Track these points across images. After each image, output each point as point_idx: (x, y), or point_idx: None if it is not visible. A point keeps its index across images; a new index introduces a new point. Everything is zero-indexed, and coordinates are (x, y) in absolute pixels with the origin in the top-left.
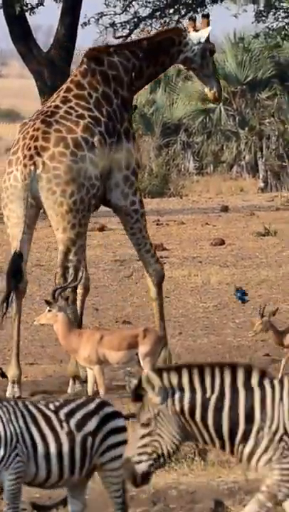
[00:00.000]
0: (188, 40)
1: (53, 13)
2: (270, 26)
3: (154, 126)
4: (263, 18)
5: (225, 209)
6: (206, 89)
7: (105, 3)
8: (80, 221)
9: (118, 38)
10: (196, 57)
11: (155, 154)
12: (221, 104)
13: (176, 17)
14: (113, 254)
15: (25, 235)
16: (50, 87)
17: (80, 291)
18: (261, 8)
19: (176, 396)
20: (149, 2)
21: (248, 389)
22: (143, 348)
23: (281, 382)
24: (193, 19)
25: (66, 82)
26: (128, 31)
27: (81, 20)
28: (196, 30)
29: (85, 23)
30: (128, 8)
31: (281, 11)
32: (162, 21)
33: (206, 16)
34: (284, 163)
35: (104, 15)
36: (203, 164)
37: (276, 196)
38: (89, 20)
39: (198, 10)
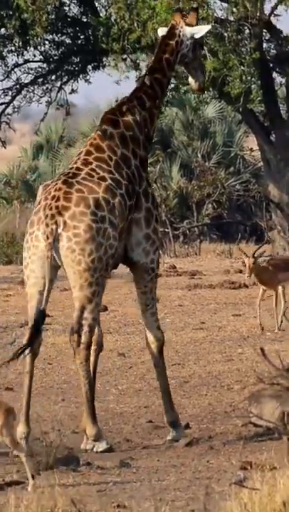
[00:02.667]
0: (183, 36)
1: None
2: None
3: (36, 193)
4: None
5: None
6: (192, 80)
7: None
8: (96, 280)
9: (0, 104)
10: (189, 52)
11: None
12: None
13: (58, 83)
14: None
15: (42, 296)
16: None
17: (93, 347)
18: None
19: None
20: (31, 69)
21: None
22: None
23: None
24: (180, 10)
25: (86, 144)
26: (10, 98)
27: None
28: (187, 24)
29: None
30: (10, 75)
31: None
32: (44, 88)
33: (196, 10)
34: (166, 230)
35: None
36: None
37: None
38: None
39: (81, 76)
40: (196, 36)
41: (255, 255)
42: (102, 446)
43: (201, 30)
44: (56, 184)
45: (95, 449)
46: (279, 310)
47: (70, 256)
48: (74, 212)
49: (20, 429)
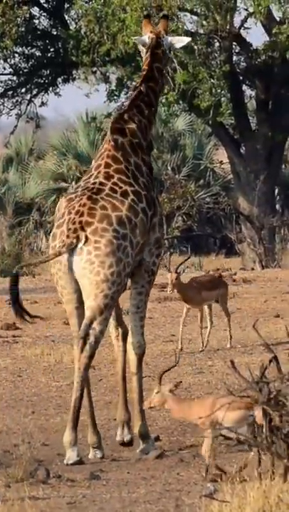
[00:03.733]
0: (166, 46)
1: None
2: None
3: (7, 206)
4: (115, 98)
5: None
6: None
7: None
8: (112, 293)
9: None
10: (164, 59)
11: (8, 233)
12: (74, 183)
13: (28, 96)
14: None
15: (78, 310)
16: None
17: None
18: (113, 88)
19: None
20: (1, 81)
21: None
22: None
23: None
24: (149, 16)
25: (102, 156)
26: None
27: None
28: (165, 31)
29: None
30: None
31: None
32: (14, 100)
33: (166, 17)
34: None
35: None
36: None
37: None
38: None
39: (50, 89)
40: (177, 46)
41: (178, 270)
42: (72, 458)
43: (182, 40)
44: (81, 199)
45: (65, 461)
46: (205, 329)
47: (89, 267)
48: (96, 228)
49: (91, 438)
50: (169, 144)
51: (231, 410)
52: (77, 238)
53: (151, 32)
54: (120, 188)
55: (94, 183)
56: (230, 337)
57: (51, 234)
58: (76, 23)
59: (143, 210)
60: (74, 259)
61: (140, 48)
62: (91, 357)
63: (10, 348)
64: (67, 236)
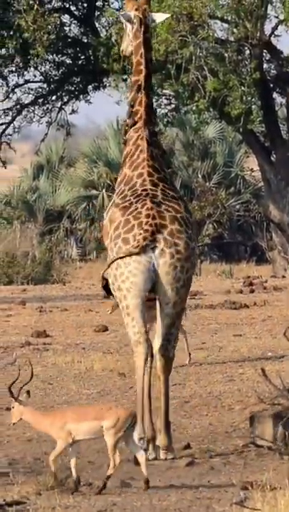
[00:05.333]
0: (149, 24)
1: None
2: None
3: (37, 213)
4: None
5: (108, 296)
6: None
7: None
8: (186, 298)
9: (0, 125)
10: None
11: (38, 241)
12: (104, 190)
13: (58, 104)
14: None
15: (143, 306)
16: None
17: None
18: None
19: None
20: (32, 89)
21: None
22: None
23: None
24: None
25: (142, 166)
26: (10, 118)
27: None
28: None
29: None
30: (10, 95)
31: (163, 97)
32: (45, 108)
33: None
34: None
35: None
36: (87, 251)
37: None
38: None
39: (81, 97)
40: (158, 21)
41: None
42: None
43: (162, 16)
44: (145, 204)
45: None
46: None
47: (172, 273)
48: (171, 230)
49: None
50: (199, 151)
51: (82, 421)
52: (155, 240)
53: (136, 10)
54: (168, 193)
55: (144, 190)
56: (189, 354)
57: (121, 239)
58: (106, 31)
59: (188, 211)
60: (156, 262)
61: (124, 23)
62: (172, 361)
63: (40, 355)
64: (144, 238)
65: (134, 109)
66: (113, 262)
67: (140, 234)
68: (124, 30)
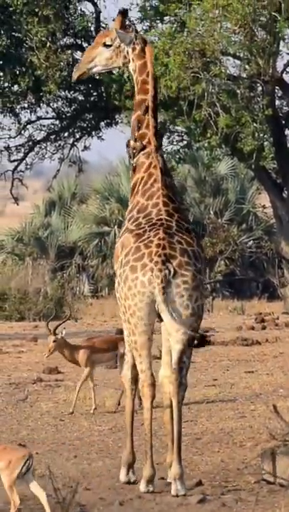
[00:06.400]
0: None
1: None
2: (164, 150)
3: (49, 250)
4: None
5: (120, 332)
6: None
7: (0, 126)
8: (198, 326)
9: (12, 161)
10: None
11: (50, 277)
12: (116, 227)
13: (70, 140)
14: (8, 378)
15: (149, 342)
16: None
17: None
18: None
19: None
20: (44, 125)
21: None
22: None
23: None
24: (126, 12)
25: (158, 196)
26: (23, 154)
27: None
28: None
29: None
30: (23, 132)
31: (175, 134)
32: (57, 144)
33: (123, 13)
34: None
35: None
36: (98, 287)
37: None
38: None
39: (93, 133)
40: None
41: (57, 332)
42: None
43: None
44: (157, 233)
45: (174, 492)
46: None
47: (178, 301)
48: (180, 262)
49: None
50: (211, 188)
51: None
52: (168, 269)
53: (136, 31)
54: (183, 225)
55: (159, 219)
56: (118, 403)
57: (128, 267)
58: (119, 68)
59: (200, 245)
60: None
61: (117, 41)
62: (185, 389)
63: (52, 392)
64: (160, 270)
65: (141, 132)
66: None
67: (145, 265)
68: (95, 46)
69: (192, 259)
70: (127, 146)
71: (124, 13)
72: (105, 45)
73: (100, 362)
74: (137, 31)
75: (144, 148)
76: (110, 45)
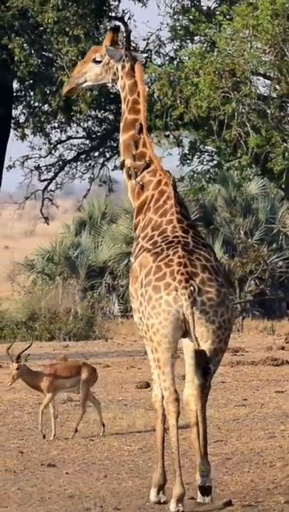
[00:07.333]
0: None
1: None
2: (194, 169)
3: (79, 269)
4: (188, 161)
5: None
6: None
7: (30, 146)
8: (225, 339)
9: (43, 181)
10: None
11: (80, 297)
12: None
13: (101, 160)
14: (37, 397)
15: (173, 359)
16: None
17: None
18: (186, 152)
19: None
20: (74, 145)
21: None
22: None
23: None
24: (118, 29)
25: (172, 212)
26: (53, 174)
27: (6, 163)
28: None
29: (10, 166)
30: (53, 151)
31: (206, 154)
32: (87, 164)
33: (114, 30)
34: None
35: (29, 158)
36: (128, 307)
37: None
38: (14, 163)
39: None
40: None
41: (20, 359)
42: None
43: (140, 56)
44: (176, 251)
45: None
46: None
47: (204, 317)
48: (202, 278)
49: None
50: (241, 207)
51: None
52: (192, 286)
53: (126, 49)
54: (198, 240)
55: (176, 237)
56: (103, 425)
57: (151, 287)
58: (149, 87)
59: (217, 259)
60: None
61: (106, 57)
62: (208, 392)
63: None
64: (185, 287)
65: (140, 151)
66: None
67: (169, 284)
68: (85, 61)
69: (213, 274)
70: (122, 166)
71: (115, 29)
72: (95, 61)
73: (62, 388)
74: (128, 49)
75: (148, 166)
76: (100, 61)
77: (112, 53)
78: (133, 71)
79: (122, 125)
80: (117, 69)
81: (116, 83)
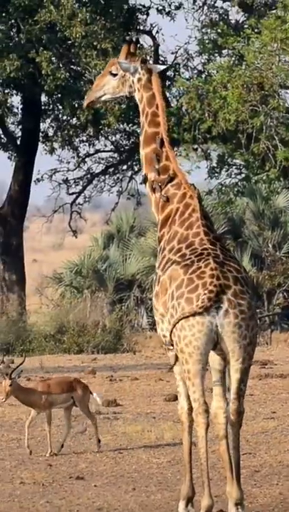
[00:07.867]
0: None
1: (5, 169)
2: (222, 183)
3: (108, 282)
4: (216, 175)
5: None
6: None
7: (58, 160)
8: (253, 355)
9: (71, 194)
10: None
11: (108, 310)
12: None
13: (129, 173)
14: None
15: (203, 371)
16: (3, 244)
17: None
18: (214, 165)
19: None
20: (102, 158)
21: None
22: None
23: None
24: (133, 42)
25: (198, 225)
26: (81, 187)
27: (34, 177)
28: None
29: (38, 179)
30: (81, 165)
31: (234, 167)
32: (115, 177)
33: (130, 43)
34: None
35: (58, 171)
36: None
37: None
38: (42, 177)
39: None
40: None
41: (13, 376)
42: None
43: (160, 67)
44: (208, 264)
45: None
46: (50, 432)
47: (238, 331)
48: (235, 291)
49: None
50: (269, 221)
51: None
52: (219, 301)
53: (142, 62)
54: (226, 253)
55: (204, 249)
56: (99, 441)
57: (184, 299)
58: (177, 101)
59: (245, 271)
60: (220, 322)
61: (120, 72)
62: (243, 415)
63: (110, 424)
64: (209, 299)
65: (163, 164)
66: (178, 322)
67: (205, 294)
68: (104, 75)
69: (244, 286)
70: (146, 180)
71: (130, 42)
72: (112, 74)
73: (54, 404)
74: (144, 61)
75: (171, 179)
76: (116, 74)
77: (125, 67)
78: (150, 83)
79: (142, 138)
80: (133, 81)
81: (133, 95)
